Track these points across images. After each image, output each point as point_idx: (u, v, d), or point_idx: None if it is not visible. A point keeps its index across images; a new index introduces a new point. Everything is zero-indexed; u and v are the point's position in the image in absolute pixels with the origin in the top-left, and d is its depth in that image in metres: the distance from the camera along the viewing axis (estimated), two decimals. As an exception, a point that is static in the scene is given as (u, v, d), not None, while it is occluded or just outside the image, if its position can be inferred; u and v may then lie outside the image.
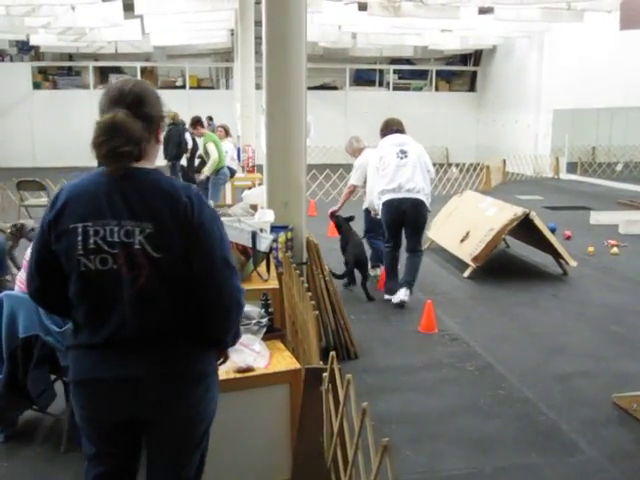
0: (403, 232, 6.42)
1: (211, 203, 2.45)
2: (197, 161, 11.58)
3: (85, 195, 2.04)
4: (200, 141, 11.43)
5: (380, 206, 6.28)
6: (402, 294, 6.27)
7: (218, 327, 2.14)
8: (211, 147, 10.44)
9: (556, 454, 3.64)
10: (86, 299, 2.06)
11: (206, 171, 10.49)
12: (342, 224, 6.98)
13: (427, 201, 6.30)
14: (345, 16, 14.55)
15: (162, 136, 2.23)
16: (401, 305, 6.25)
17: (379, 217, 6.42)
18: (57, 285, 2.10)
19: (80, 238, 1.99)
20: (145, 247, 1.99)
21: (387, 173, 6.20)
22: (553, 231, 8.79)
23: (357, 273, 6.69)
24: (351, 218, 7.04)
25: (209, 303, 2.08)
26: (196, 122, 11.02)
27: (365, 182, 6.92)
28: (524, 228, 7.49)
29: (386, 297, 6.50)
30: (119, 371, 2.05)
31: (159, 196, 2.02)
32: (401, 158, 6.21)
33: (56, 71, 23.33)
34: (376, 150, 6.54)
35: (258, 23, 4.97)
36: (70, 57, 22.95)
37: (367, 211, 7.04)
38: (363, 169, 6.94)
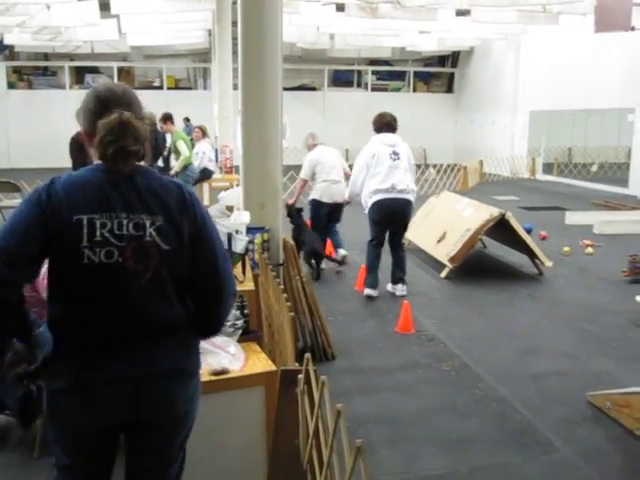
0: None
1: None
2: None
3: (87, 188, 1.99)
4: (168, 137, 11.47)
5: (370, 204, 6.49)
6: (401, 290, 6.74)
7: (217, 318, 2.23)
8: (181, 145, 10.50)
9: (531, 453, 3.68)
10: (84, 294, 1.99)
11: (176, 167, 10.53)
12: (294, 215, 7.53)
13: (413, 200, 6.62)
14: (323, 17, 14.53)
15: None
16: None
17: (365, 211, 6.65)
18: (20, 283, 2.01)
19: (85, 230, 1.95)
20: (155, 239, 2.01)
21: (379, 172, 6.41)
22: (529, 231, 8.87)
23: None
24: (301, 209, 7.63)
25: (213, 295, 2.15)
26: (167, 118, 10.96)
27: (312, 176, 7.64)
28: (500, 228, 7.54)
29: (368, 292, 6.66)
30: (120, 371, 2.00)
31: (166, 191, 2.06)
32: (394, 160, 6.44)
33: (31, 71, 23.05)
34: (368, 146, 6.66)
35: (235, 24, 4.95)
36: (46, 57, 22.68)
37: (314, 202, 7.64)
38: (311, 164, 7.63)
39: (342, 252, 7.94)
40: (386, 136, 6.60)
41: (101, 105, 2.05)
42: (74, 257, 1.96)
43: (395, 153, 6.47)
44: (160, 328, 2.05)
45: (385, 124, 6.67)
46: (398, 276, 6.78)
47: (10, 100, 21.71)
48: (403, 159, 6.50)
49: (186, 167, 10.65)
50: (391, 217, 6.49)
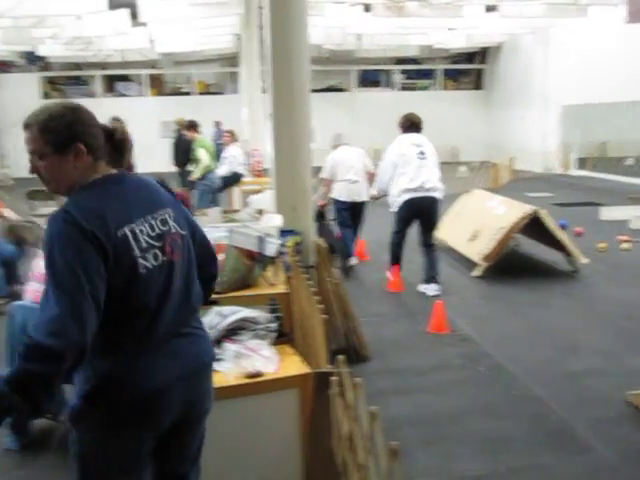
0: (416, 226, 6.87)
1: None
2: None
3: (112, 202, 1.98)
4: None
5: (400, 202, 6.67)
6: (434, 289, 6.76)
7: (214, 282, 2.46)
8: (201, 152, 10.52)
9: (569, 453, 3.63)
10: (144, 301, 2.00)
11: (195, 174, 10.57)
12: (321, 215, 7.88)
13: (441, 198, 6.77)
14: (349, 18, 14.52)
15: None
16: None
17: (392, 209, 6.83)
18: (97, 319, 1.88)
19: (132, 241, 1.97)
20: (177, 229, 2.13)
21: (408, 172, 6.59)
22: (563, 228, 8.75)
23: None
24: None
25: (210, 259, 2.38)
26: (191, 126, 11.03)
27: (334, 176, 7.64)
28: (534, 226, 7.45)
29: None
30: (176, 370, 2.07)
31: (155, 185, 2.20)
32: (421, 159, 6.62)
33: (64, 81, 23.49)
34: (395, 145, 6.82)
35: (263, 27, 4.99)
36: (78, 66, 23.08)
37: (334, 201, 7.75)
38: (331, 164, 7.66)
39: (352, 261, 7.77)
40: (413, 136, 6.77)
41: (94, 119, 2.05)
42: (132, 272, 1.96)
43: (422, 153, 6.63)
44: (195, 314, 2.21)
45: (411, 124, 6.84)
46: (430, 275, 6.84)
47: (44, 110, 22.14)
48: (430, 158, 6.67)
49: (205, 176, 10.63)
50: (419, 215, 6.69)
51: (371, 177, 7.57)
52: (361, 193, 7.61)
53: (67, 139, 1.96)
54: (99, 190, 2.00)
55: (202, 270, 2.26)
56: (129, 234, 1.97)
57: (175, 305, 2.07)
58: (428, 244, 6.86)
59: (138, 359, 2.00)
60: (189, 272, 2.16)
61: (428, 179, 6.57)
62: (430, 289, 6.78)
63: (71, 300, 1.77)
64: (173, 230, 2.10)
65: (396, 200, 6.68)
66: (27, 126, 2.00)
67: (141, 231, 2.00)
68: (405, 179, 6.57)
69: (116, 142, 2.10)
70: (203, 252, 2.30)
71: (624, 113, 18.71)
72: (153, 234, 2.03)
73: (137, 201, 2.05)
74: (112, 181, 2.05)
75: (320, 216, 7.73)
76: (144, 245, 2.00)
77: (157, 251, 2.03)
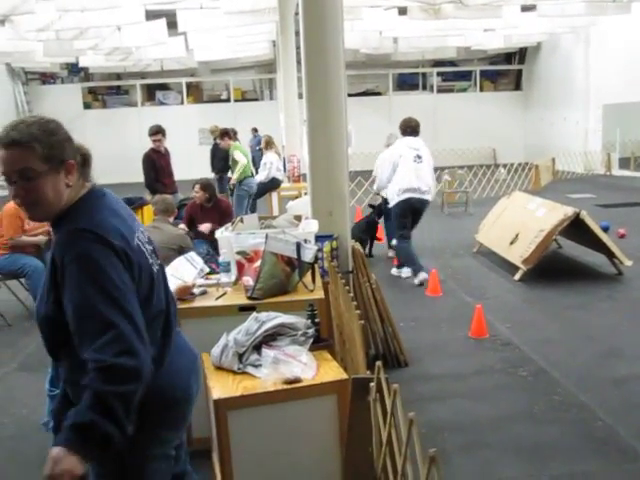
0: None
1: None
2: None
3: (112, 214, 2.00)
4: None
5: (397, 201, 7.27)
6: (406, 272, 7.57)
7: None
8: (237, 154, 10.59)
9: (614, 461, 3.54)
10: (160, 305, 2.06)
11: (234, 177, 10.63)
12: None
13: (432, 199, 7.55)
14: (385, 21, 14.49)
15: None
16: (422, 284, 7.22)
17: (389, 205, 7.52)
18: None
19: (143, 249, 2.04)
20: (150, 237, 2.21)
21: (405, 173, 7.19)
22: (606, 230, 8.58)
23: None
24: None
25: None
26: (224, 134, 11.11)
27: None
28: (575, 228, 7.32)
29: (423, 276, 7.26)
30: (188, 364, 2.20)
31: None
32: (418, 163, 7.23)
33: (105, 91, 24.01)
34: (394, 148, 7.53)
35: (299, 33, 5.02)
36: (118, 76, 23.56)
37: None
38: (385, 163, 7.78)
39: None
40: (411, 140, 7.34)
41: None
42: (151, 278, 2.02)
43: (419, 156, 7.23)
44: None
45: (410, 128, 7.39)
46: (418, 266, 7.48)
47: (87, 119, 22.64)
48: (425, 162, 7.27)
49: (243, 181, 10.67)
50: (412, 213, 7.36)
51: None
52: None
53: (65, 154, 1.91)
54: (97, 205, 1.96)
55: None
56: (139, 242, 2.02)
57: (173, 303, 2.19)
58: (409, 236, 7.50)
59: (164, 361, 2.03)
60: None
61: (424, 182, 7.20)
62: (404, 272, 7.59)
63: (128, 318, 1.78)
64: (148, 238, 2.18)
65: (395, 197, 7.25)
66: (11, 144, 1.82)
67: (139, 238, 2.05)
68: (404, 180, 7.16)
69: (85, 155, 2.05)
70: None
71: (668, 111, 18.26)
72: (146, 239, 2.11)
73: (125, 211, 2.09)
74: (98, 195, 2.02)
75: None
76: (148, 251, 2.07)
77: (154, 255, 2.12)
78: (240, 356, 3.00)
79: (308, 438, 2.92)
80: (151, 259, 2.07)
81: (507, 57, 25.03)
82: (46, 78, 23.16)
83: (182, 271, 3.73)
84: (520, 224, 7.94)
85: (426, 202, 7.31)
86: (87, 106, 23.28)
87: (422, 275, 7.23)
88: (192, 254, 3.85)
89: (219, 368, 3.03)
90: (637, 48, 16.73)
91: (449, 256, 8.83)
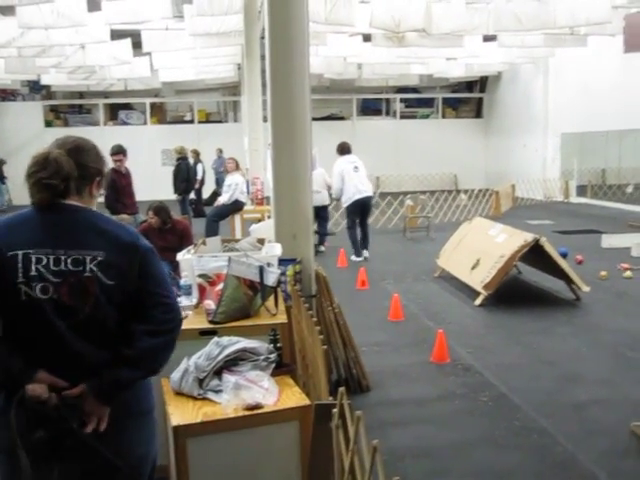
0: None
1: None
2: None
3: (25, 225, 2.07)
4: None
5: (350, 202, 10.11)
6: (366, 253, 10.40)
7: (136, 341, 2.27)
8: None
9: (574, 486, 3.56)
10: (25, 333, 2.05)
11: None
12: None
13: (372, 195, 10.73)
14: (350, 48, 14.66)
15: (101, 190, 2.35)
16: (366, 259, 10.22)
17: (344, 206, 10.51)
18: None
19: (20, 265, 2.01)
20: (97, 274, 2.08)
21: (351, 181, 10.01)
22: (564, 256, 8.73)
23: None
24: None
25: (140, 316, 2.20)
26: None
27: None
28: (535, 254, 7.43)
29: (356, 259, 10.23)
30: None
31: (92, 228, 2.14)
32: (356, 172, 10.13)
33: (67, 109, 23.71)
34: (338, 164, 10.26)
35: (264, 57, 5.03)
36: (81, 95, 23.30)
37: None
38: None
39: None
40: (348, 156, 10.28)
41: (51, 146, 2.27)
42: (13, 295, 2.01)
43: (356, 167, 10.13)
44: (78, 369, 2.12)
45: (346, 149, 10.39)
46: (365, 245, 10.44)
47: (47, 138, 21.92)
48: (361, 170, 10.19)
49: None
50: (361, 209, 10.19)
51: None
52: (320, 200, 10.44)
53: None
54: (24, 213, 2.14)
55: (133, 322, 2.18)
56: (20, 258, 2.01)
57: (57, 348, 2.08)
58: (364, 224, 10.39)
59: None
60: (99, 325, 2.12)
61: (364, 185, 10.13)
62: (364, 253, 10.26)
63: None
64: (87, 274, 2.07)
65: (348, 200, 10.09)
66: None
67: (38, 260, 2.02)
68: (351, 187, 9.98)
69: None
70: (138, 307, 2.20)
71: (623, 141, 18.82)
72: (54, 268, 2.05)
73: (54, 232, 2.08)
74: (39, 208, 2.12)
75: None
76: (34, 273, 2.02)
77: (49, 285, 2.04)
78: (200, 381, 2.94)
79: (270, 465, 2.87)
80: (26, 279, 2.01)
81: (468, 85, 25.54)
82: (6, 95, 22.79)
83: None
84: (481, 250, 8.03)
85: (369, 197, 10.32)
86: (48, 124, 22.94)
87: (365, 253, 10.33)
88: None
89: (179, 393, 2.96)
90: (593, 79, 17.24)
91: (411, 280, 8.87)
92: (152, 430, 2.37)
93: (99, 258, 2.09)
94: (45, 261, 2.03)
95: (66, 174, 2.12)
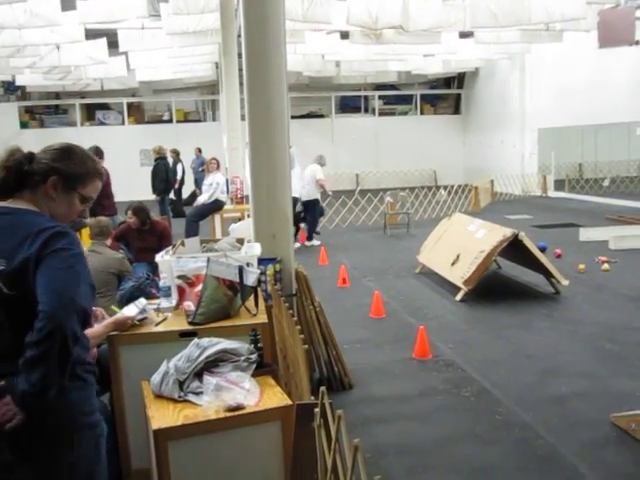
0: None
1: None
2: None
3: None
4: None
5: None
6: (318, 241, 11.61)
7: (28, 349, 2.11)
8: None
9: (556, 479, 3.59)
10: None
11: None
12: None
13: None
14: (328, 45, 14.67)
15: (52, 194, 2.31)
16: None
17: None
18: None
19: None
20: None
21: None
22: (543, 250, 8.80)
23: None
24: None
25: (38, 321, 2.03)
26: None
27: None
28: (514, 248, 7.49)
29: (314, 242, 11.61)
30: None
31: (18, 233, 2.08)
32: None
33: (43, 110, 23.43)
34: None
35: (242, 55, 4.99)
36: (57, 95, 23.05)
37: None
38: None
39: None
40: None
41: None
42: None
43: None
44: None
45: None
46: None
47: (23, 139, 21.95)
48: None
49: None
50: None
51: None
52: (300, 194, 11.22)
53: None
54: None
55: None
56: None
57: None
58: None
59: None
60: None
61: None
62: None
63: None
64: None
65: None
66: None
67: None
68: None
69: None
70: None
71: (599, 135, 19.04)
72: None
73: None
74: None
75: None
76: None
77: None
78: (181, 384, 2.92)
79: (252, 466, 2.86)
80: None
81: (446, 82, 25.64)
82: (-20, 96, 22.50)
83: (125, 309, 3.61)
84: (461, 245, 8.07)
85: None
86: (24, 125, 22.67)
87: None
88: (142, 301, 3.68)
89: (159, 397, 2.94)
90: (569, 75, 17.41)
91: (392, 277, 8.90)
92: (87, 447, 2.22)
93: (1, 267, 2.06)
94: None
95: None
